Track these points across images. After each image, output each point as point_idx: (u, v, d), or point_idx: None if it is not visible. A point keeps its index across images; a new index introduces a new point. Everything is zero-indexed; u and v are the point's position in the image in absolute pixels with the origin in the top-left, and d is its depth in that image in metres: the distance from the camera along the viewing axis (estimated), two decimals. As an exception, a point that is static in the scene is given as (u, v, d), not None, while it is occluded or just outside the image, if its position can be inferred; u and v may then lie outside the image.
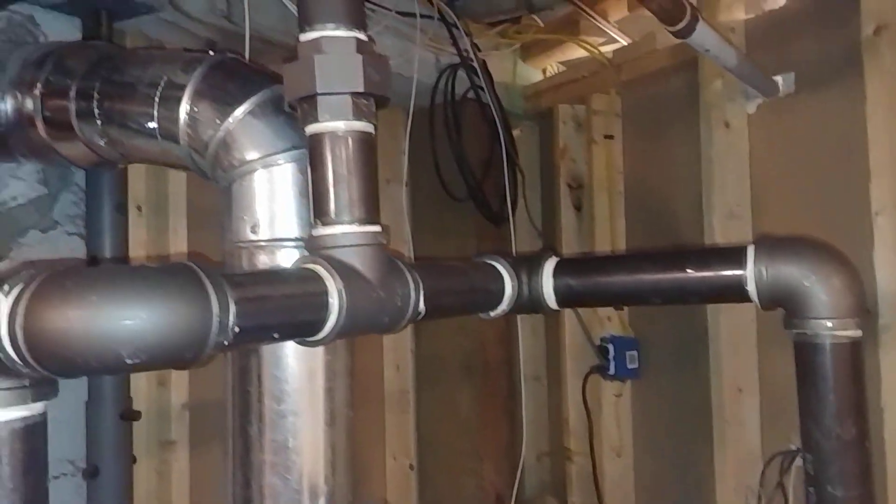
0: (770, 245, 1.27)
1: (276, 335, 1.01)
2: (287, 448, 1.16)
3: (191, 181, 2.01)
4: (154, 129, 1.26)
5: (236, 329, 0.90)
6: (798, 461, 1.90)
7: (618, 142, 2.56)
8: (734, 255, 1.28)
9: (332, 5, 1.07)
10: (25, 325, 0.81)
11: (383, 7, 2.15)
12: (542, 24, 2.67)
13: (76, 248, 1.85)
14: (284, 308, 1.00)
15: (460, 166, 2.55)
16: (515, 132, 2.74)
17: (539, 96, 2.78)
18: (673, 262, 1.33)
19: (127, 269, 0.98)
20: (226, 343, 0.90)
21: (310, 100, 1.07)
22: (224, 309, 0.89)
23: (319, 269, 1.05)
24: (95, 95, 1.36)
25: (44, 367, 0.84)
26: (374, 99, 1.11)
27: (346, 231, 1.08)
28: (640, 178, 2.51)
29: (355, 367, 1.26)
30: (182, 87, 1.22)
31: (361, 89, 1.06)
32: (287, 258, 1.16)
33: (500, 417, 2.76)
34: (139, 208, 1.93)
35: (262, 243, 1.17)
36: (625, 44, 2.47)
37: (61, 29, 1.81)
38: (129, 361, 0.83)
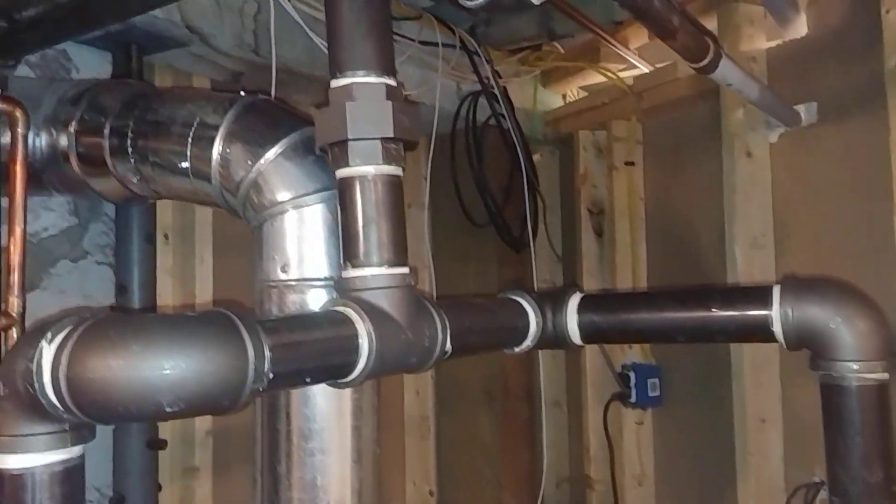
0: (796, 285, 1.27)
1: (308, 379, 1.03)
2: (315, 486, 1.18)
3: (217, 210, 2.04)
4: (186, 168, 1.30)
5: (271, 375, 0.92)
6: (822, 494, 1.89)
7: (639, 168, 2.57)
8: (760, 295, 1.28)
9: (363, 53, 1.09)
10: (69, 373, 0.83)
11: (406, 38, 2.17)
12: (562, 51, 2.69)
13: (105, 278, 1.88)
14: (317, 353, 1.01)
15: (481, 192, 2.57)
16: (536, 157, 2.76)
17: (559, 122, 2.79)
18: (698, 300, 1.33)
19: (167, 318, 1.00)
20: (261, 389, 0.92)
21: (341, 145, 1.09)
22: (259, 356, 0.91)
23: (350, 311, 1.06)
24: (129, 134, 1.40)
25: (85, 413, 0.86)
26: (403, 143, 1.13)
27: (375, 273, 1.10)
28: (662, 205, 2.52)
29: (380, 402, 1.27)
30: (215, 128, 1.25)
31: (391, 135, 1.08)
32: (316, 298, 1.18)
33: (521, 444, 2.75)
34: (166, 236, 1.96)
35: (292, 283, 1.19)
36: (645, 70, 2.48)
37: (93, 63, 1.85)
38: (168, 409, 0.85)
